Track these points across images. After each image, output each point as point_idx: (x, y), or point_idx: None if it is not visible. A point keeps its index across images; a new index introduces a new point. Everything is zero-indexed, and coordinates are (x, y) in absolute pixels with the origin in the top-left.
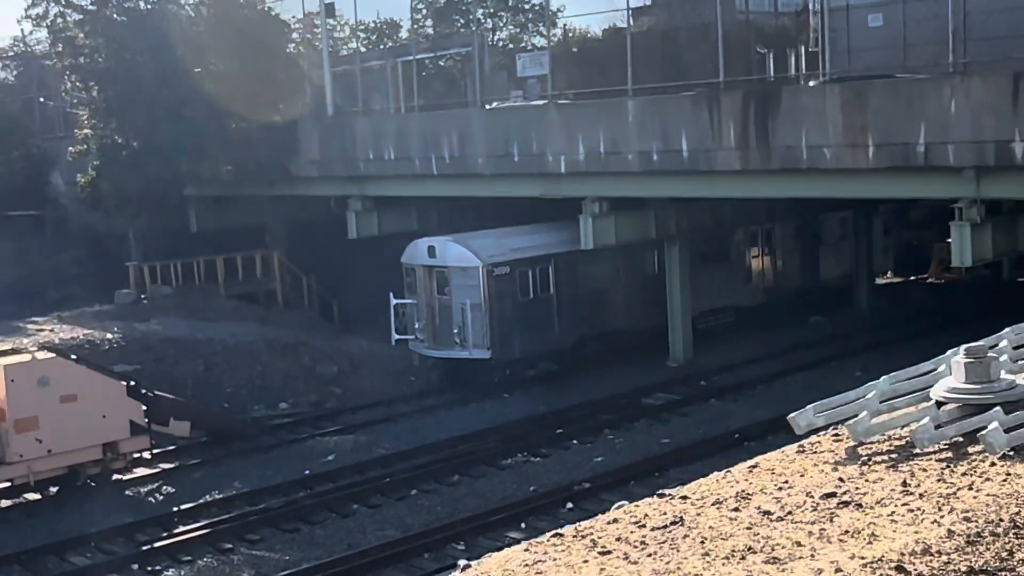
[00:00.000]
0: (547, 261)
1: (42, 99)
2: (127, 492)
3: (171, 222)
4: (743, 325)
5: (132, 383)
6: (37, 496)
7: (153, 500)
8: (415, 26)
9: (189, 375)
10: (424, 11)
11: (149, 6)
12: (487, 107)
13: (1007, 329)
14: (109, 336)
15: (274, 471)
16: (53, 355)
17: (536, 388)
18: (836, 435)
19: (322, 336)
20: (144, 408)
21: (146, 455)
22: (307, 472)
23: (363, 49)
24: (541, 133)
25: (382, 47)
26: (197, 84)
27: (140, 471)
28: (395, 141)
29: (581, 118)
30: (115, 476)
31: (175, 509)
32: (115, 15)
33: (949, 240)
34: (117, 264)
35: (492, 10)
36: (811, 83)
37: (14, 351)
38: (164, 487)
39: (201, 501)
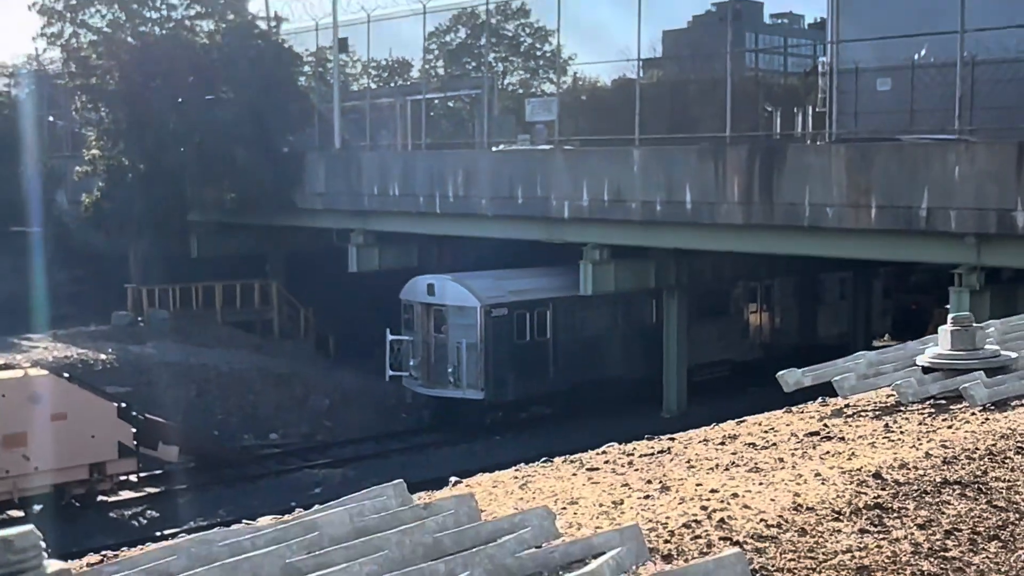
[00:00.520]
0: (545, 305)
1: (51, 118)
2: (111, 514)
3: (172, 246)
4: (739, 379)
5: (123, 405)
6: (20, 513)
7: (136, 524)
8: (426, 66)
9: (181, 400)
10: (436, 52)
11: (163, 32)
12: (494, 149)
13: (997, 320)
14: (103, 356)
15: (260, 501)
16: (46, 372)
17: (528, 432)
18: (823, 401)
19: (316, 368)
20: (134, 430)
21: (133, 478)
22: (293, 504)
23: (374, 85)
24: (546, 177)
25: (393, 85)
26: (207, 111)
27: (126, 494)
28: (401, 177)
29: (586, 165)
30: (100, 497)
31: (157, 534)
32: (129, 38)
33: (948, 306)
34: (116, 285)
35: (504, 54)
36: (818, 142)
37: (7, 367)
38: (148, 511)
39: (184, 527)
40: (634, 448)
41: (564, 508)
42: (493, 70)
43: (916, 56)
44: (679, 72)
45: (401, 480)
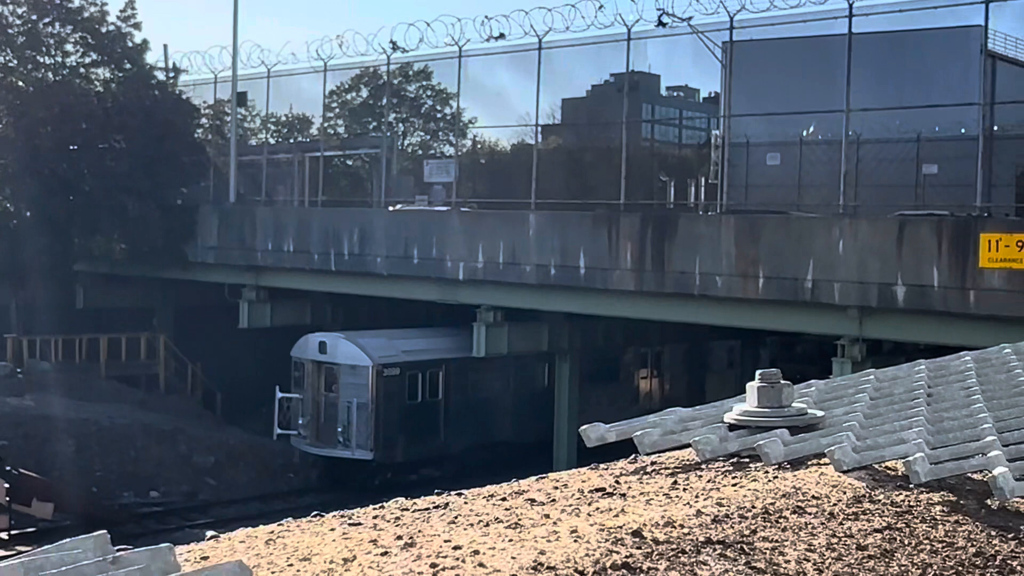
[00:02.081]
0: (438, 366)
1: None
2: None
3: (57, 296)
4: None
5: None
6: None
7: None
8: (326, 123)
9: (59, 455)
10: (337, 109)
11: (57, 78)
12: (391, 208)
13: (821, 380)
14: None
15: None
16: None
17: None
18: (634, 458)
19: (202, 425)
20: (7, 486)
21: (3, 535)
22: None
23: (272, 140)
24: (442, 238)
25: (292, 140)
26: (98, 160)
27: None
28: (295, 234)
29: (482, 227)
30: None
31: None
32: (21, 83)
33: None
34: None
35: (404, 115)
36: (709, 213)
37: None
38: None
39: None
40: (414, 503)
41: (291, 564)
42: (393, 130)
43: (804, 133)
44: (577, 139)
45: (104, 531)
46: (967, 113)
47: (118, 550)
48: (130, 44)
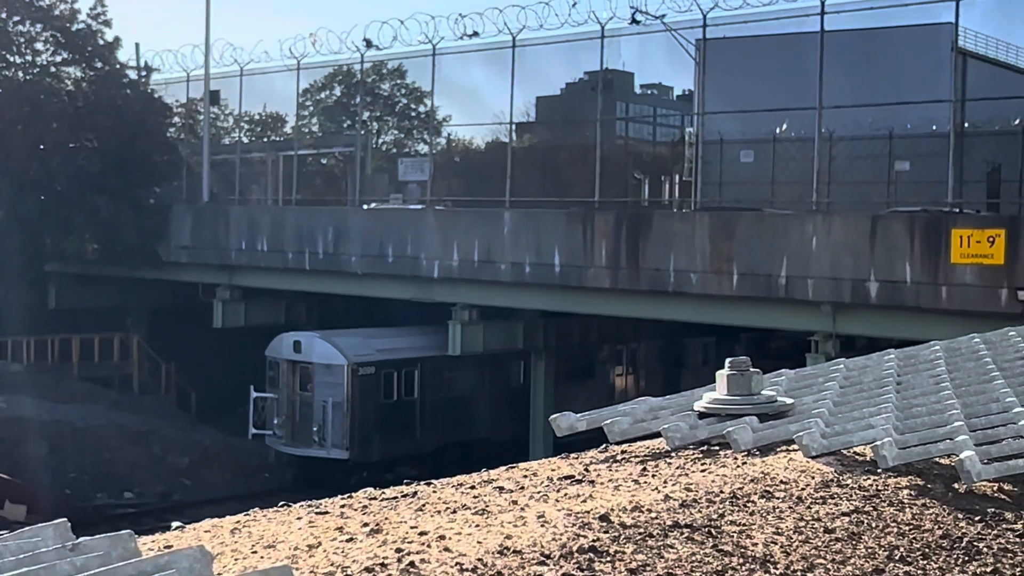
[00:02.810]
0: (413, 364)
1: None
2: None
3: (29, 296)
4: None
5: None
6: None
7: None
8: (300, 122)
9: (31, 457)
10: (311, 108)
11: (28, 77)
12: (365, 207)
13: (791, 370)
14: None
15: None
16: None
17: None
18: (604, 448)
19: (176, 425)
20: None
21: None
22: None
23: (246, 139)
24: (417, 237)
25: (265, 139)
26: (69, 159)
27: None
28: (269, 233)
29: (457, 225)
30: None
31: None
32: None
33: None
34: None
35: (378, 114)
36: (683, 210)
37: None
38: None
39: None
40: (382, 492)
41: (255, 551)
42: (367, 128)
43: (777, 130)
44: (551, 137)
45: (64, 519)
46: (938, 110)
47: (78, 539)
48: (101, 42)
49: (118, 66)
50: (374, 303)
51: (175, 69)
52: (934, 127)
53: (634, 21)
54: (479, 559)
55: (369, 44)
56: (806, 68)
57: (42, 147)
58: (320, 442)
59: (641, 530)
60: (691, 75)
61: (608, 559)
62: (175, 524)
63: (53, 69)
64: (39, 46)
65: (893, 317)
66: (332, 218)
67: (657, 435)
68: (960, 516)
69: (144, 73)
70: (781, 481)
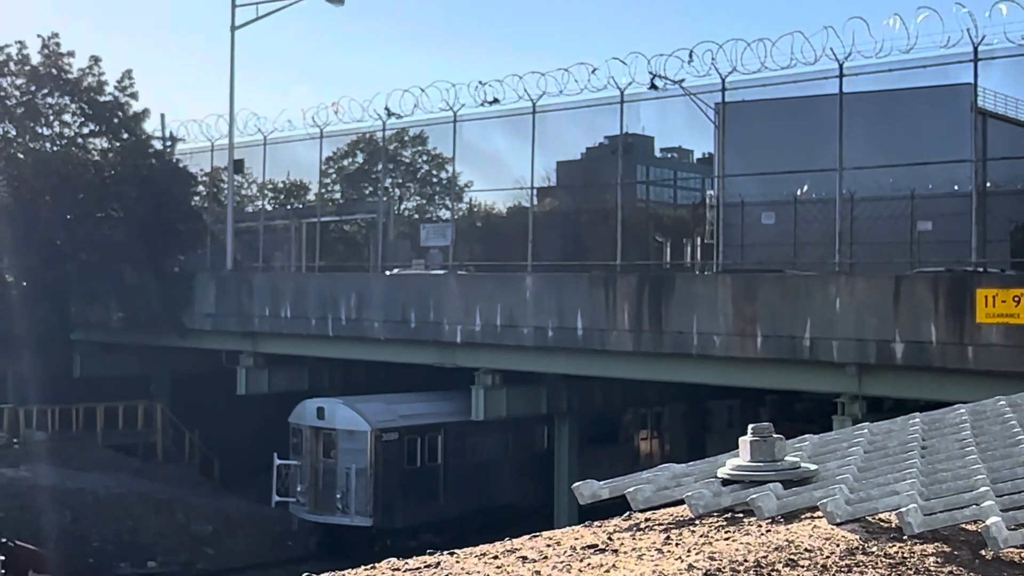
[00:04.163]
0: (436, 430)
1: None
2: None
3: (54, 365)
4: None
5: None
6: None
7: None
8: (322, 189)
9: (55, 526)
10: (333, 175)
11: (56, 148)
12: (387, 273)
13: (815, 436)
14: None
15: None
16: None
17: None
18: (628, 515)
19: (200, 493)
20: (2, 558)
21: None
22: None
23: (269, 207)
24: (439, 302)
25: (288, 207)
26: (95, 229)
27: None
28: (292, 299)
29: (480, 290)
30: None
31: None
32: (20, 154)
33: None
34: None
35: (400, 180)
36: (705, 272)
37: None
38: None
39: None
40: (405, 563)
41: None
42: (389, 195)
43: (798, 192)
44: (572, 201)
45: None
46: (960, 170)
47: None
48: (128, 114)
49: (144, 136)
50: (397, 368)
51: (200, 139)
52: (956, 187)
53: (653, 86)
54: None
55: (390, 112)
56: (826, 130)
57: (69, 217)
58: (343, 509)
59: None
60: (711, 138)
61: None
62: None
63: (80, 140)
64: (67, 118)
65: (919, 378)
66: (355, 284)
67: (681, 502)
68: None
69: (169, 143)
70: (806, 549)
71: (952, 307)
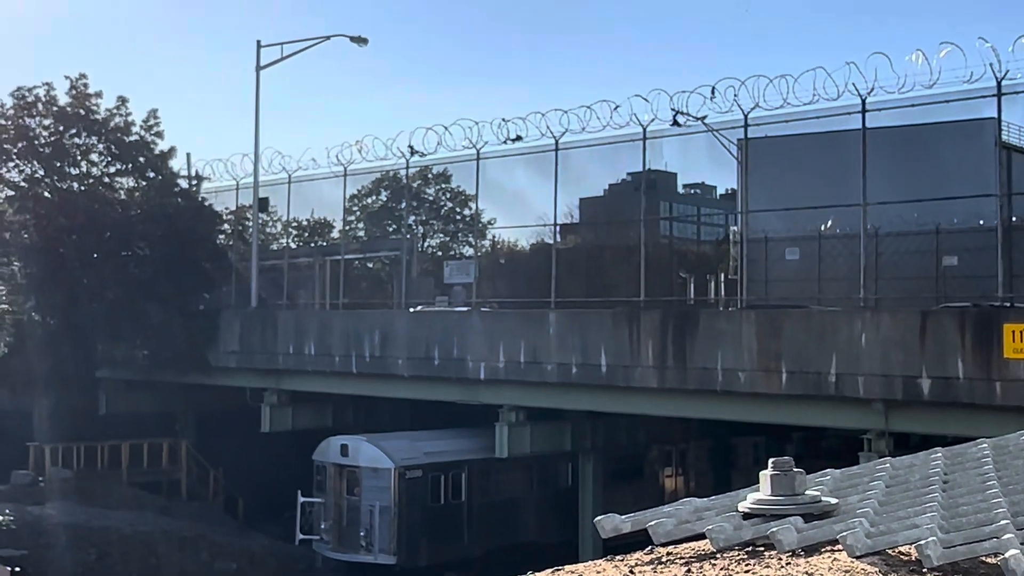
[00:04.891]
0: (460, 467)
1: None
2: None
3: (80, 403)
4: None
5: (17, 569)
6: None
7: None
8: (347, 227)
9: (80, 564)
10: (357, 213)
11: (83, 187)
12: (411, 310)
13: (837, 471)
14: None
15: None
16: None
17: None
18: (650, 550)
19: (224, 531)
20: None
21: None
22: None
23: (293, 245)
24: (463, 339)
25: (313, 244)
26: (121, 267)
27: None
28: (317, 337)
29: (503, 327)
30: None
31: None
32: (47, 193)
33: None
34: (17, 443)
35: (424, 217)
36: (729, 308)
37: None
38: None
39: None
40: None
41: None
42: (413, 232)
43: (822, 227)
44: (595, 238)
45: None
46: (985, 204)
47: None
48: (154, 152)
49: (170, 175)
50: (421, 405)
51: (225, 177)
52: (981, 221)
53: (675, 123)
54: None
55: (414, 150)
56: (849, 165)
57: (95, 255)
58: (367, 547)
59: None
60: (734, 174)
61: None
62: None
63: (107, 179)
64: (94, 157)
65: (946, 414)
66: (379, 321)
67: (702, 536)
68: None
69: (195, 182)
70: None
71: (979, 342)
